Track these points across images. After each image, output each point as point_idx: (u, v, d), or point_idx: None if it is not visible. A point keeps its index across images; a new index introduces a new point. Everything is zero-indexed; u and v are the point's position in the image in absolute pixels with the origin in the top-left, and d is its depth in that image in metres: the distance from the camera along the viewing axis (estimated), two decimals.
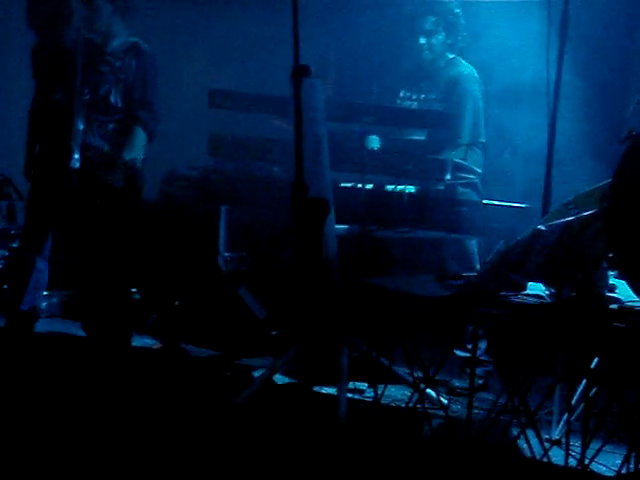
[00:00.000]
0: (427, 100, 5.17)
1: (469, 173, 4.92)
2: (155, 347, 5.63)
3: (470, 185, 4.97)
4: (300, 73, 3.12)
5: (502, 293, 3.69)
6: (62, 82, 5.11)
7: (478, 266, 5.01)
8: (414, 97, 5.24)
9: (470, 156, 5.08)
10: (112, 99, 5.04)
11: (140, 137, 5.07)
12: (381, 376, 4.63)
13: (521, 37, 5.41)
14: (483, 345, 4.99)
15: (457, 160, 4.81)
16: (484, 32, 5.47)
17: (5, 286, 5.86)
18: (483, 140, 5.14)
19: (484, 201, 4.80)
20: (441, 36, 5.13)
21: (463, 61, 5.22)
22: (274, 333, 5.55)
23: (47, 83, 5.21)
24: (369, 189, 4.82)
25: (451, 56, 5.21)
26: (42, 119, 5.24)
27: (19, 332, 5.35)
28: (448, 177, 4.68)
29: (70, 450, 3.90)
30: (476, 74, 5.19)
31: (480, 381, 4.90)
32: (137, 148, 5.08)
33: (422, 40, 5.12)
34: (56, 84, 5.14)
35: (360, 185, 4.75)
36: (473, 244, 5.02)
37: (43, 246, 5.29)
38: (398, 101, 5.26)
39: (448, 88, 5.12)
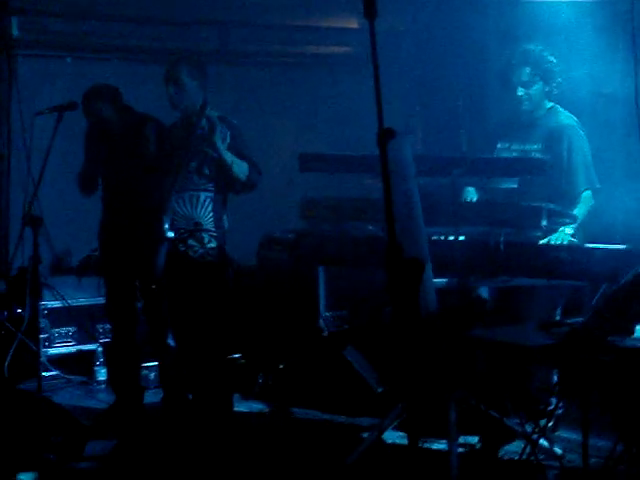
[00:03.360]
0: (528, 151, 5.15)
1: (565, 217, 4.85)
2: (266, 412, 5.66)
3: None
4: (385, 137, 3.14)
5: (610, 338, 3.62)
6: (154, 161, 5.28)
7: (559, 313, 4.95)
8: (513, 147, 5.21)
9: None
10: (205, 170, 5.14)
11: (243, 166, 5.09)
12: (492, 429, 4.57)
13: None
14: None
15: (551, 206, 4.76)
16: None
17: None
18: (598, 186, 5.09)
19: (585, 245, 4.72)
20: (538, 85, 5.11)
21: (561, 109, 5.20)
22: (380, 391, 5.53)
23: (117, 161, 5.41)
24: (464, 240, 4.80)
25: (549, 105, 5.19)
26: (123, 192, 5.41)
27: (131, 405, 5.47)
28: (544, 223, 4.63)
29: None
30: (577, 120, 5.17)
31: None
32: (236, 169, 5.06)
33: (520, 92, 5.12)
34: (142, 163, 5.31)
35: (453, 237, 4.75)
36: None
37: (134, 319, 5.46)
38: (496, 152, 5.26)
39: (551, 139, 5.10)
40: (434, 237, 4.80)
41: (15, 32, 6.59)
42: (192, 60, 5.26)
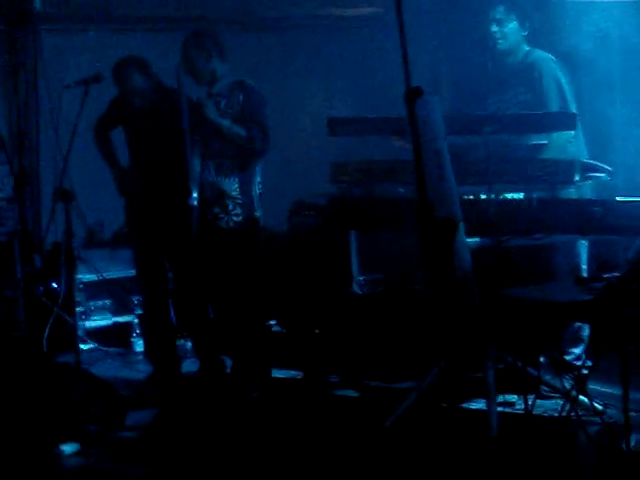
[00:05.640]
0: (514, 96, 5.11)
1: (598, 172, 4.79)
2: (302, 378, 5.67)
3: (601, 184, 4.85)
4: (413, 95, 3.11)
5: None
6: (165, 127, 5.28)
7: (585, 267, 4.91)
8: (504, 98, 5.17)
9: (574, 145, 4.98)
10: (220, 138, 5.13)
11: (241, 131, 5.07)
12: (531, 387, 4.55)
13: None
14: (578, 350, 4.92)
15: (584, 160, 4.71)
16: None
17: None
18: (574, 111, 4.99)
19: (617, 198, 4.66)
20: (513, 24, 5.08)
21: (539, 50, 5.15)
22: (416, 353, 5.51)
23: (140, 128, 5.40)
24: (497, 199, 4.76)
25: (527, 48, 5.15)
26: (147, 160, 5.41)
27: (168, 374, 5.51)
28: (577, 178, 4.59)
29: None
30: (553, 58, 5.12)
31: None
32: (234, 135, 5.07)
33: (494, 28, 5.09)
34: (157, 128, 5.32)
35: (486, 196, 4.70)
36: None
37: (165, 291, 5.50)
38: (489, 108, 5.20)
39: (528, 76, 5.06)
40: (466, 196, 4.77)
41: (37, 6, 6.56)
42: (199, 33, 5.26)
